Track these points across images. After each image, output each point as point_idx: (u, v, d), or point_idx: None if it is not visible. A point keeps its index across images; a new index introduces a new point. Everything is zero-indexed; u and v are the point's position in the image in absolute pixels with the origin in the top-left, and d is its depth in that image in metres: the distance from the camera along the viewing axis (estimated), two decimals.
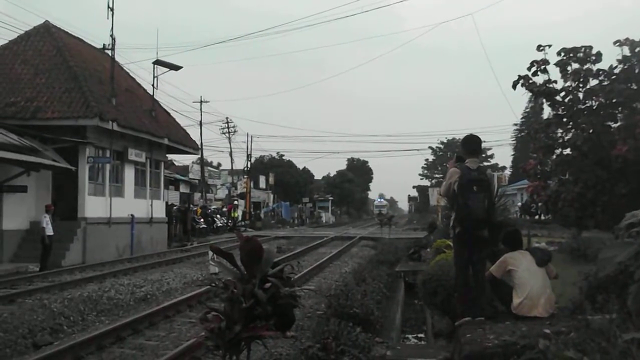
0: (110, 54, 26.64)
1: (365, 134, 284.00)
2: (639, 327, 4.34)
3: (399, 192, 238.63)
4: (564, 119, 15.40)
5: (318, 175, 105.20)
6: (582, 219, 15.10)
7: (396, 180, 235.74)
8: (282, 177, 79.59)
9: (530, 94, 15.74)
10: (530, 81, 15.29)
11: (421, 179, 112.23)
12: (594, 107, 14.80)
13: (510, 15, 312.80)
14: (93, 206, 23.45)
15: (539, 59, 15.17)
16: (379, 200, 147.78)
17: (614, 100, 14.42)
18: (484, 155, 71.66)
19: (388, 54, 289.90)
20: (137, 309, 12.75)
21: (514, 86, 15.42)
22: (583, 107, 14.98)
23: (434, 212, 48.93)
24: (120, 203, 25.47)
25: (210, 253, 15.70)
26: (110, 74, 25.21)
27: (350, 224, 77.07)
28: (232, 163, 62.77)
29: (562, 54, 15.02)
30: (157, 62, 28.92)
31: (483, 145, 8.19)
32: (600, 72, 14.70)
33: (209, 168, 67.98)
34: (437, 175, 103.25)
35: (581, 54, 14.84)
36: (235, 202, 55.63)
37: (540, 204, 16.71)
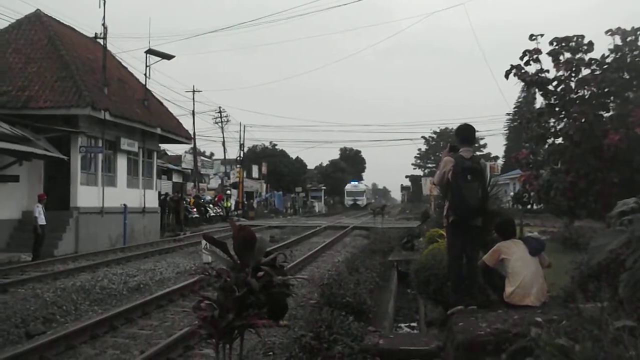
0: (102, 43, 26.52)
1: (358, 123, 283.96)
2: (630, 314, 4.37)
3: (392, 182, 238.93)
4: (556, 109, 15.42)
5: (311, 165, 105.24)
6: (574, 208, 15.16)
7: (389, 170, 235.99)
8: (275, 166, 79.52)
9: (522, 83, 15.74)
10: (523, 71, 15.29)
11: (414, 168, 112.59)
12: (586, 97, 14.81)
13: (503, 6, 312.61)
14: (85, 196, 23.40)
15: (531, 48, 15.18)
16: (352, 184, 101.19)
17: (606, 90, 14.44)
18: (477, 144, 71.76)
19: (382, 45, 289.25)
20: (130, 299, 12.75)
21: (507, 75, 15.42)
22: (575, 96, 14.99)
23: (426, 202, 49.03)
24: (112, 193, 25.41)
25: (204, 242, 15.72)
26: (102, 63, 25.09)
27: (343, 213, 77.10)
28: (224, 152, 62.72)
29: (555, 43, 15.02)
30: (150, 52, 28.78)
31: (476, 135, 8.21)
32: (592, 62, 14.71)
33: (202, 158, 67.86)
34: (430, 165, 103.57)
35: (573, 44, 14.84)
36: (228, 191, 55.56)
37: (532, 193, 16.73)
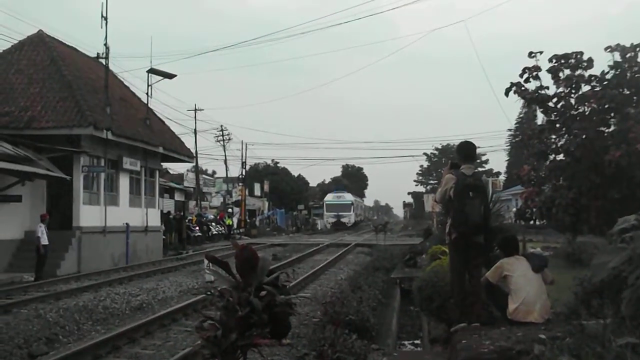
0: (104, 63, 26.66)
1: (359, 140, 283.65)
2: (633, 331, 4.37)
3: (394, 199, 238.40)
4: (557, 125, 15.46)
5: (313, 182, 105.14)
6: (576, 224, 15.14)
7: (391, 187, 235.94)
8: (277, 184, 79.52)
9: (523, 100, 15.81)
10: (523, 88, 15.35)
11: (416, 185, 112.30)
12: (587, 113, 14.86)
13: (502, 24, 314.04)
14: (88, 215, 23.41)
15: (530, 65, 15.25)
16: (334, 194, 79.32)
17: (606, 106, 14.48)
18: (478, 161, 71.69)
19: (382, 61, 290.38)
20: (133, 318, 12.72)
21: (507, 93, 15.48)
22: (575, 113, 15.05)
23: (429, 219, 48.98)
24: (115, 212, 25.41)
25: (206, 261, 15.71)
26: (104, 83, 25.19)
27: (345, 230, 76.94)
28: (227, 171, 62.75)
29: (554, 60, 15.10)
30: (151, 71, 28.95)
31: (478, 151, 8.24)
32: (592, 78, 14.77)
33: (204, 176, 67.85)
34: (432, 182, 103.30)
35: (573, 61, 14.92)
36: (230, 209, 55.53)
37: (534, 209, 16.72)
